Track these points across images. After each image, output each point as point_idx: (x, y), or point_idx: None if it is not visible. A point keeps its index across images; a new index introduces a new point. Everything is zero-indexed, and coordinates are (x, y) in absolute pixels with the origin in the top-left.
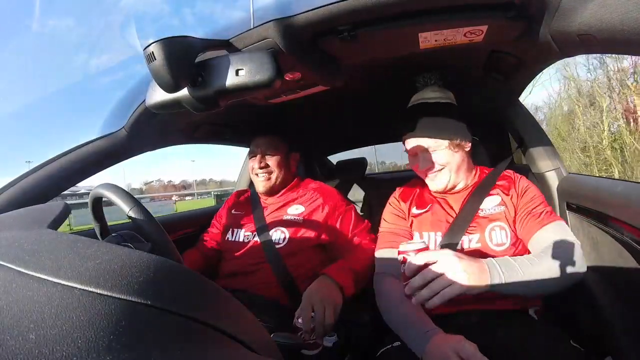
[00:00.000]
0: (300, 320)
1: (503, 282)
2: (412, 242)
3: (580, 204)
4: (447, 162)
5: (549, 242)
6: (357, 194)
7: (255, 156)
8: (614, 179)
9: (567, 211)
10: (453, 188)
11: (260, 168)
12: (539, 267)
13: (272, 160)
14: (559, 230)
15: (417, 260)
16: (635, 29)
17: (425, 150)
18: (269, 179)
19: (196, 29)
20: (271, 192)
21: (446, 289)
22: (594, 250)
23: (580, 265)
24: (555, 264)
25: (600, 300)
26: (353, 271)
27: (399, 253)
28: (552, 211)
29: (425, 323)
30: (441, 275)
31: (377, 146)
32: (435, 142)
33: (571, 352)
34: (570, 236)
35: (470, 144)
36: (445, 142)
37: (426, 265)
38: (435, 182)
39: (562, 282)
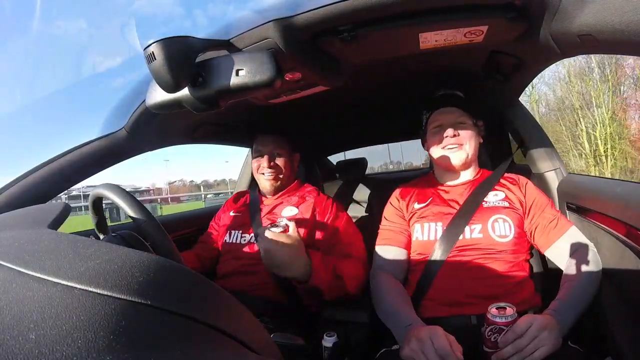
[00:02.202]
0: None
1: (568, 323)
2: (500, 311)
3: (580, 204)
4: (470, 137)
5: (570, 252)
6: (358, 194)
7: (262, 155)
8: (614, 179)
9: (567, 211)
10: (467, 168)
11: (269, 168)
12: (581, 287)
13: (280, 160)
14: (575, 237)
15: (509, 335)
16: (635, 30)
17: (454, 122)
18: (276, 178)
19: (208, 30)
20: (276, 191)
21: (536, 353)
22: None
23: (599, 264)
24: (587, 275)
25: (600, 300)
26: (336, 276)
27: (489, 322)
28: (562, 215)
29: (409, 317)
30: (531, 342)
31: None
32: (465, 116)
33: (571, 353)
34: (584, 240)
35: (481, 140)
36: (471, 120)
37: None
38: (456, 154)
39: (597, 284)
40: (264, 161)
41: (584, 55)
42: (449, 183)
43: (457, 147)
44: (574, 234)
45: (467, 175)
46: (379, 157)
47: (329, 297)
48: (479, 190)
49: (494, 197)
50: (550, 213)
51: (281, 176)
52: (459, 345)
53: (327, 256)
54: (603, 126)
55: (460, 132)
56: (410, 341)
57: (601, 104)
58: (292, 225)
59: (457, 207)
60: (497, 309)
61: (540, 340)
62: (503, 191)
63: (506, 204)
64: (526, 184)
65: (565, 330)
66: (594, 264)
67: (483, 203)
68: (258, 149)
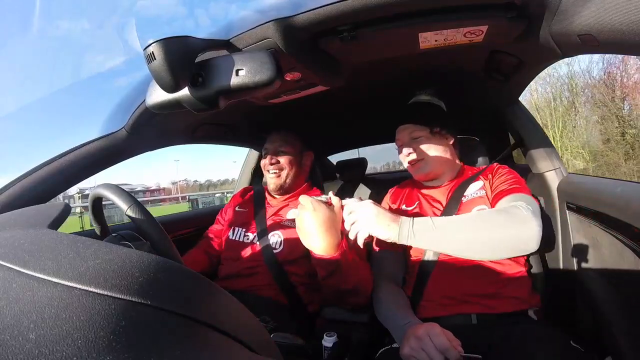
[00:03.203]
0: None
1: (412, 233)
2: (348, 200)
3: (580, 204)
4: (427, 149)
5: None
6: (358, 194)
7: (268, 154)
8: (614, 179)
9: (567, 211)
10: (436, 178)
11: (271, 164)
12: (466, 224)
13: (283, 158)
14: (516, 198)
15: (345, 210)
16: (636, 30)
17: (409, 138)
18: (279, 176)
19: (209, 29)
20: (281, 190)
21: (359, 228)
22: (594, 250)
23: (523, 227)
24: (492, 224)
25: (600, 300)
26: (355, 263)
27: (342, 206)
28: (522, 187)
29: (406, 316)
30: (358, 219)
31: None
32: (418, 128)
33: (571, 353)
34: (526, 201)
35: (453, 139)
36: (427, 130)
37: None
38: (418, 169)
39: (503, 244)
40: (267, 159)
41: (548, 89)
42: (431, 185)
43: (417, 162)
44: (516, 197)
45: (448, 175)
46: (385, 156)
47: (344, 285)
48: (460, 188)
49: (472, 189)
50: (504, 180)
51: (284, 173)
52: (457, 340)
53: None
54: (554, 141)
55: (417, 147)
56: (410, 339)
57: (554, 126)
58: (336, 200)
59: (442, 208)
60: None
61: (355, 215)
62: (481, 180)
63: (482, 192)
64: (499, 167)
65: (404, 236)
66: (511, 221)
67: (462, 199)
68: (265, 147)
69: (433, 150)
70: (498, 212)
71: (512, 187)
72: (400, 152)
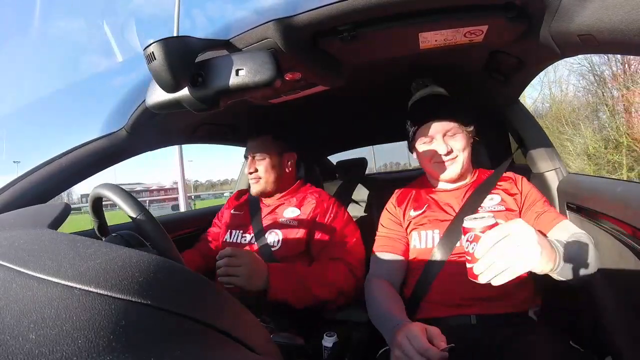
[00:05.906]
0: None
1: (563, 264)
2: (477, 218)
3: (580, 204)
4: (463, 148)
5: (565, 239)
6: (357, 194)
7: (247, 160)
8: (614, 179)
9: (567, 211)
10: (458, 180)
11: (250, 173)
12: (580, 251)
13: (261, 164)
14: (568, 227)
15: (489, 238)
16: (636, 30)
17: (445, 134)
18: (258, 182)
19: (207, 30)
20: (264, 194)
21: (518, 264)
22: None
23: (596, 255)
24: (583, 252)
25: (600, 300)
26: (301, 284)
27: (465, 231)
28: (555, 210)
29: (395, 319)
30: (515, 248)
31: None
32: (455, 125)
33: (571, 353)
34: (580, 230)
35: (472, 140)
36: (463, 128)
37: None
38: (450, 168)
39: (593, 266)
40: (246, 166)
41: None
42: (444, 187)
43: (451, 160)
44: (569, 225)
45: (465, 178)
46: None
47: (299, 305)
48: (476, 195)
49: (489, 202)
50: (542, 206)
51: (262, 180)
52: (442, 336)
53: (291, 266)
54: None
55: (452, 144)
56: (394, 348)
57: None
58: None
59: (453, 212)
60: (474, 218)
61: (527, 248)
62: (499, 194)
63: (502, 207)
64: (521, 179)
65: (554, 268)
66: (591, 249)
67: (479, 209)
68: (245, 154)
69: (466, 149)
70: (592, 246)
71: (554, 214)
72: (430, 146)
